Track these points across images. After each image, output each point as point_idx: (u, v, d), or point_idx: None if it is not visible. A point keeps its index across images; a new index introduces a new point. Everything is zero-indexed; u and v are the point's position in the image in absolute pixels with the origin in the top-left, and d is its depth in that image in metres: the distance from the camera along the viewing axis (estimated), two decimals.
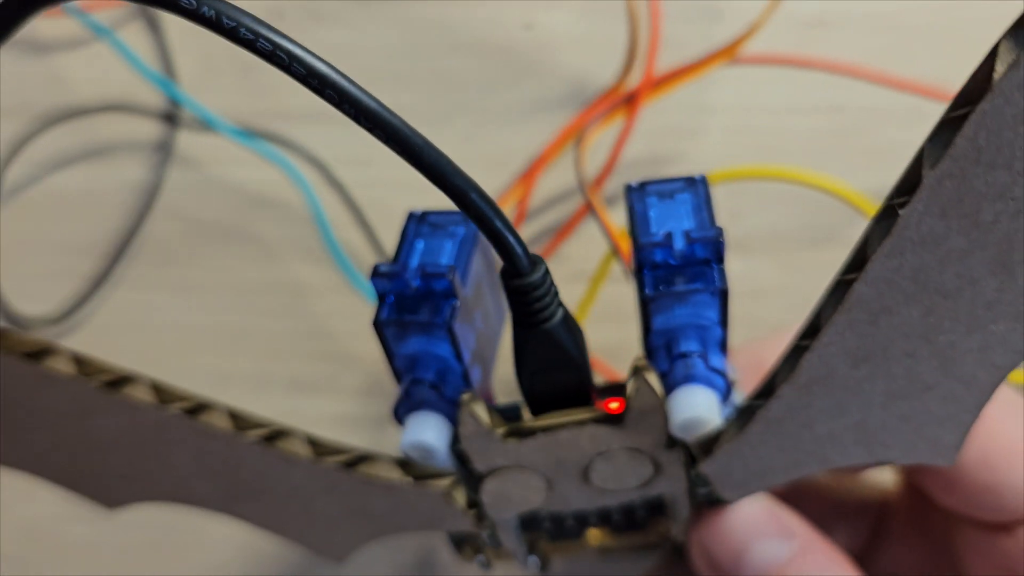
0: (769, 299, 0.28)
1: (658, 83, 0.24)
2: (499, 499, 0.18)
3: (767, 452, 0.17)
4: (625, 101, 0.25)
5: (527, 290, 0.15)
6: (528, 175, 0.26)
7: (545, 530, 0.22)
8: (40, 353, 0.17)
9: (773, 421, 0.16)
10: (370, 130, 0.13)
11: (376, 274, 0.17)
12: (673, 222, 0.17)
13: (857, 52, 0.28)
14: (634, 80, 0.26)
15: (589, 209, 0.23)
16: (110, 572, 0.30)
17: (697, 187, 0.18)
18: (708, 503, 0.20)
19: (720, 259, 0.16)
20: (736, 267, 0.28)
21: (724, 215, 0.27)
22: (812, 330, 0.15)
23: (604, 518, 0.22)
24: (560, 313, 0.16)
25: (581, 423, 0.17)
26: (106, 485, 0.20)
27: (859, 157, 0.28)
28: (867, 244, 0.14)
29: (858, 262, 0.14)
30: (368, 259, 0.29)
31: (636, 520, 0.22)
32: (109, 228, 0.30)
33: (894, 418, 0.17)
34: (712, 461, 0.17)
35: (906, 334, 0.15)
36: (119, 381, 0.17)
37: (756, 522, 0.20)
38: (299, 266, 0.29)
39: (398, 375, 0.18)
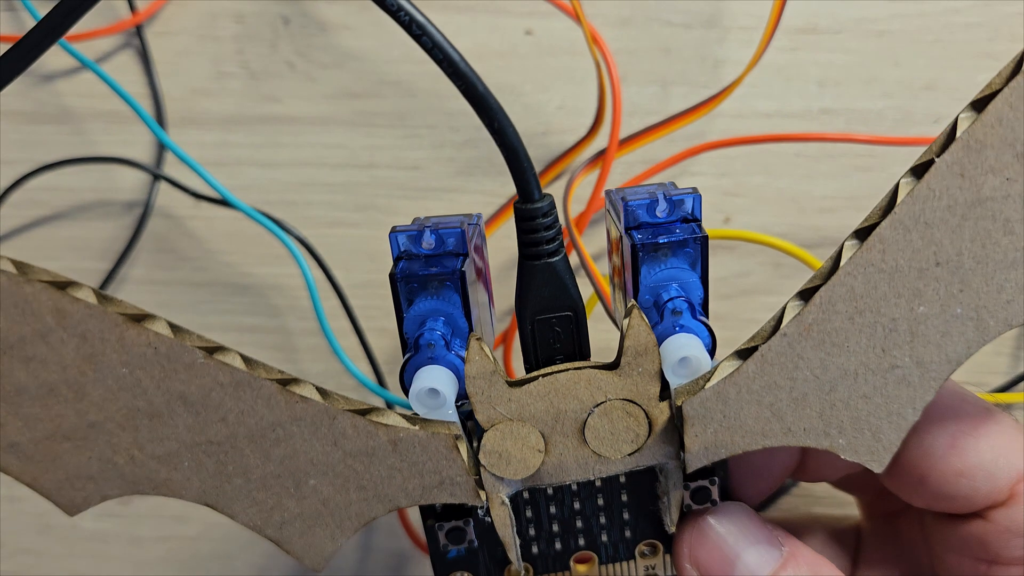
0: (761, 299, 0.29)
1: (623, 145, 0.28)
2: (498, 458, 0.18)
3: (748, 401, 0.18)
4: (598, 155, 0.28)
5: (536, 215, 0.18)
6: None
7: (532, 559, 0.22)
8: (66, 284, 0.17)
9: (768, 363, 0.18)
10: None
11: (394, 231, 0.19)
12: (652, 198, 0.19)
13: (849, 57, 0.29)
14: (604, 128, 0.28)
15: (573, 246, 0.25)
16: (119, 564, 0.31)
17: (667, 187, 0.21)
18: (693, 497, 0.20)
19: (698, 217, 0.19)
20: (729, 268, 0.30)
21: (717, 216, 0.30)
22: (828, 274, 0.17)
23: (592, 541, 0.21)
24: (563, 253, 0.18)
25: (579, 368, 0.18)
26: (76, 476, 0.19)
27: (849, 159, 0.29)
28: (896, 195, 0.17)
29: (886, 211, 0.17)
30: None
31: (624, 547, 0.22)
32: (112, 230, 0.31)
33: (857, 395, 0.18)
34: (697, 399, 0.18)
35: (899, 293, 0.17)
36: (140, 316, 0.18)
37: (746, 530, 0.20)
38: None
39: (405, 343, 0.19)
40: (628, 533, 0.21)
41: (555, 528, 0.21)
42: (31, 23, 0.29)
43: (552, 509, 0.21)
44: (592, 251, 0.30)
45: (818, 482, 0.25)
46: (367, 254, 0.30)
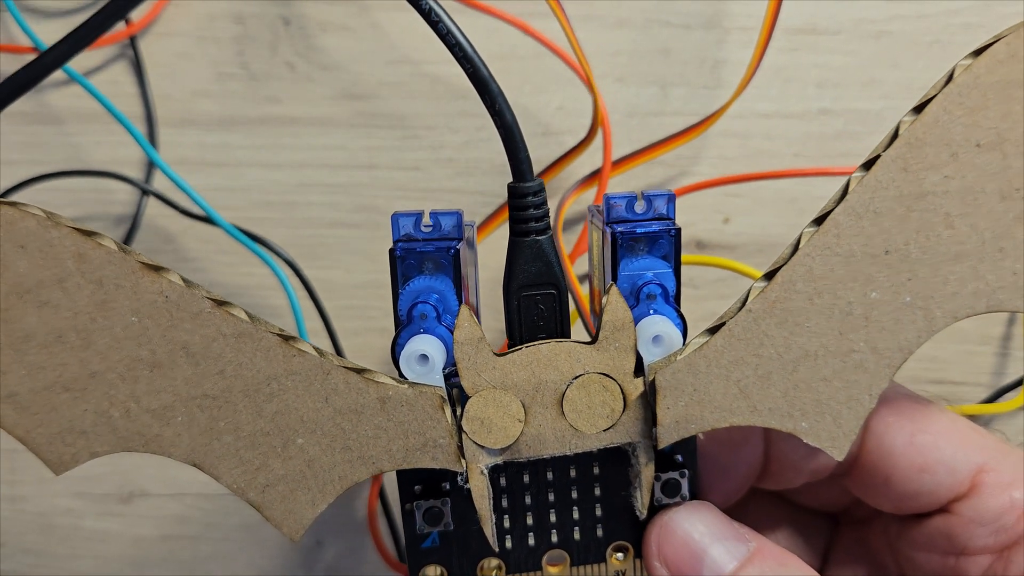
0: None
1: (616, 166, 0.29)
2: (480, 425, 0.19)
3: (717, 376, 0.19)
4: (592, 175, 0.29)
5: (527, 193, 0.19)
6: None
7: (504, 555, 0.22)
8: (90, 233, 0.19)
9: (735, 337, 0.19)
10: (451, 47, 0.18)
11: (396, 214, 0.20)
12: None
13: (848, 58, 0.30)
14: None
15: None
16: (120, 564, 0.32)
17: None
18: (664, 489, 0.21)
19: (671, 216, 0.21)
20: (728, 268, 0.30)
21: (717, 217, 0.31)
22: (789, 256, 0.19)
23: (565, 539, 0.22)
24: (549, 234, 0.20)
25: (561, 341, 0.19)
26: (69, 430, 0.19)
27: (848, 160, 0.30)
28: (848, 186, 0.19)
29: (839, 200, 0.19)
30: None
31: (596, 548, 0.22)
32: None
33: (818, 378, 0.20)
34: (669, 368, 0.19)
35: (854, 277, 0.19)
36: (156, 268, 0.19)
37: (712, 527, 0.21)
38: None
39: (399, 319, 0.20)
40: (600, 532, 0.22)
41: (529, 521, 0.22)
42: (17, 32, 0.30)
43: (527, 499, 0.22)
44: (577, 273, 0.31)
45: (782, 490, 0.25)
46: (367, 254, 0.31)
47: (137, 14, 0.31)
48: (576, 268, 0.31)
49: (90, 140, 0.31)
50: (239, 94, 0.31)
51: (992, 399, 0.30)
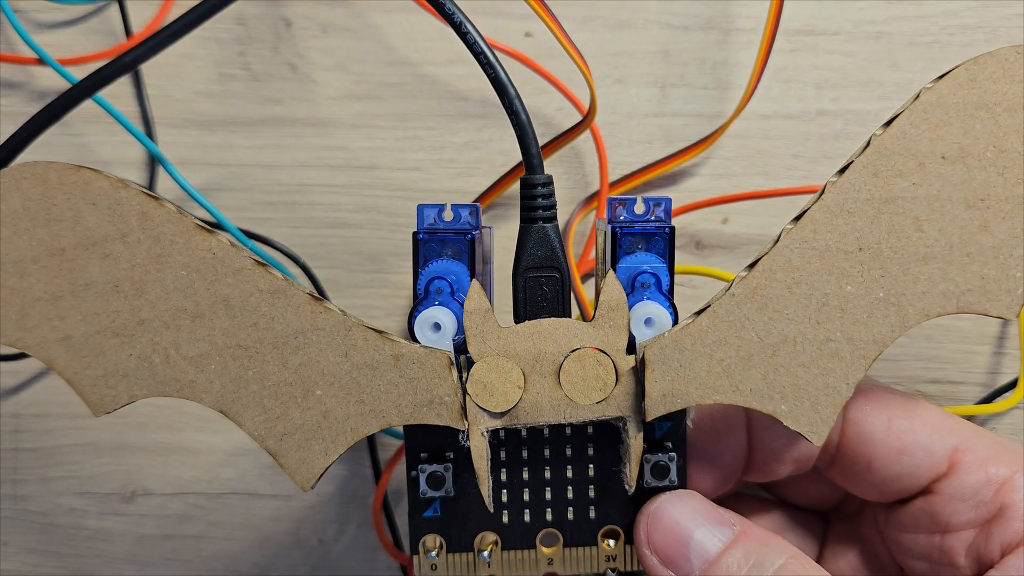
0: None
1: (615, 186, 0.31)
2: (483, 389, 0.21)
3: (701, 354, 0.21)
4: (593, 196, 0.30)
5: (536, 184, 0.22)
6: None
7: (501, 530, 0.23)
8: (155, 195, 0.21)
9: (719, 319, 0.21)
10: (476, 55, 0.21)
11: (421, 205, 0.23)
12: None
13: (847, 59, 0.31)
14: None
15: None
16: (123, 564, 0.33)
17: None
18: (653, 471, 0.22)
19: (669, 217, 0.23)
20: (728, 267, 0.31)
21: (716, 217, 0.32)
22: (770, 248, 0.21)
23: (559, 518, 0.23)
24: (555, 223, 0.22)
25: (560, 318, 0.21)
26: (113, 373, 0.22)
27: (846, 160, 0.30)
28: (825, 187, 0.21)
29: (818, 197, 0.21)
30: None
31: (588, 530, 0.23)
32: None
33: (796, 363, 0.21)
34: (657, 343, 0.21)
35: (829, 270, 0.21)
36: (207, 228, 0.21)
37: (697, 512, 0.22)
38: None
39: (417, 295, 0.22)
40: (593, 515, 0.23)
41: (526, 497, 0.23)
42: (16, 41, 0.31)
43: (525, 475, 0.23)
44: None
45: (773, 487, 0.26)
46: (369, 255, 0.32)
47: (140, 16, 0.32)
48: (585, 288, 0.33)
49: (95, 140, 0.32)
50: (241, 95, 0.32)
51: (989, 399, 0.30)
